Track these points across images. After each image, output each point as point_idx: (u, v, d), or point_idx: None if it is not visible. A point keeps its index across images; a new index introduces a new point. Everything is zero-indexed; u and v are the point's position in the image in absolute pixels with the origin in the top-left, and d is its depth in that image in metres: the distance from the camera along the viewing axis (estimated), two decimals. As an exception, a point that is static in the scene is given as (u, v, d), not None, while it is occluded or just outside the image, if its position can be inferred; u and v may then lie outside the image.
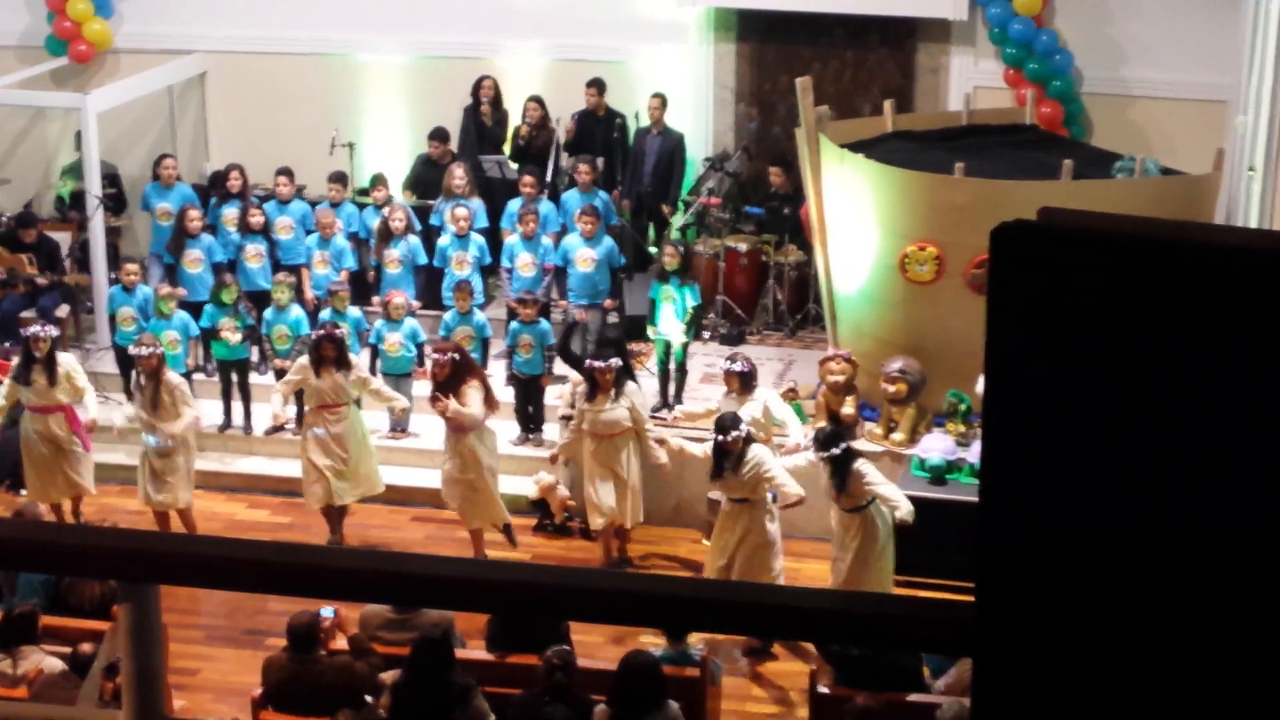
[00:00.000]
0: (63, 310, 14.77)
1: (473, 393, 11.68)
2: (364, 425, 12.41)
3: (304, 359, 12.26)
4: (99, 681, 6.31)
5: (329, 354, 12.01)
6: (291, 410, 12.87)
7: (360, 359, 13.13)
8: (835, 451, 10.89)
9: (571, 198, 14.55)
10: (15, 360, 12.44)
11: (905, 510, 10.84)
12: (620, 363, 11.89)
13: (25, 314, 14.49)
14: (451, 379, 11.63)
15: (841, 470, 10.88)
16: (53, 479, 12.38)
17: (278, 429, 13.42)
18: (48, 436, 12.27)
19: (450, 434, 11.87)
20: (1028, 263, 1.80)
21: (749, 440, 11.06)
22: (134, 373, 12.39)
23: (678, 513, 12.78)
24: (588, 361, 12.03)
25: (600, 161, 14.85)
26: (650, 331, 13.33)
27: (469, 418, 11.64)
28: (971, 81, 15.06)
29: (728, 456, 11.02)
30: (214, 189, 15.36)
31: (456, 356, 11.72)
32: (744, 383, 11.83)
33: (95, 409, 12.43)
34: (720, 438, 11.00)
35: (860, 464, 10.95)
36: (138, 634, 2.59)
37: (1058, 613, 1.82)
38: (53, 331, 12.34)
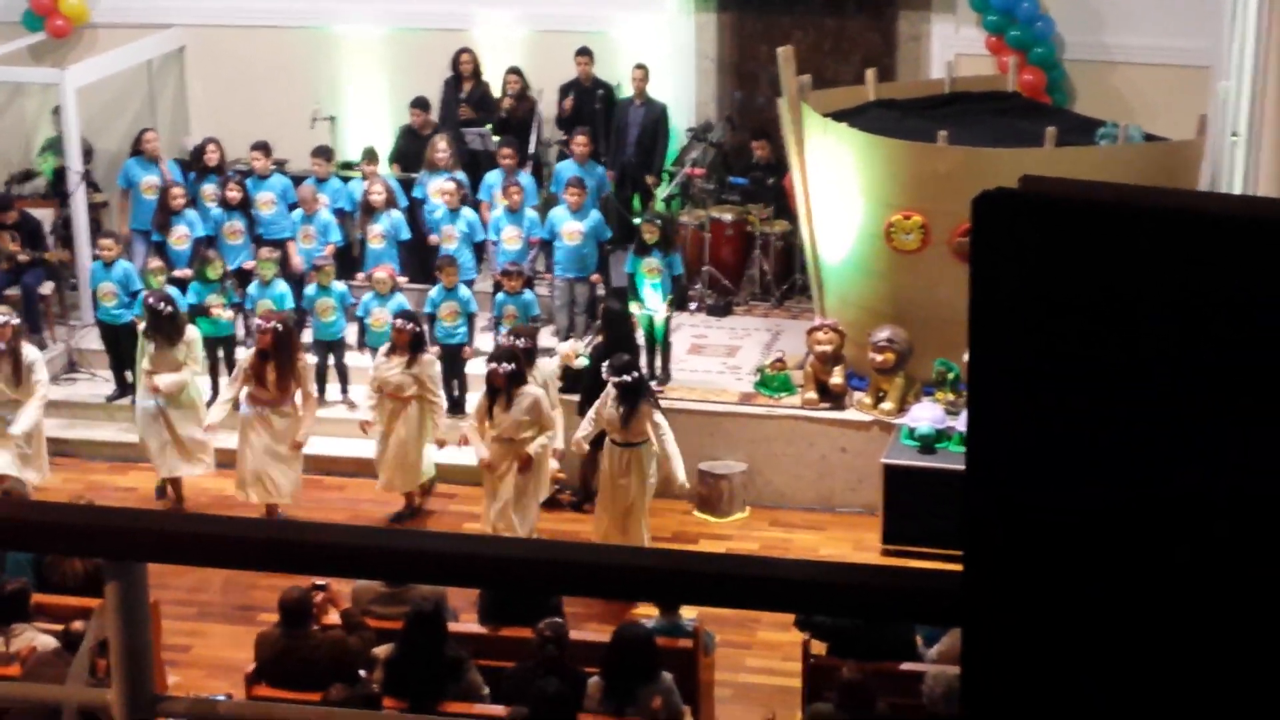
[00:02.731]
0: (47, 287, 14.75)
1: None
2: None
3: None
4: (88, 660, 6.31)
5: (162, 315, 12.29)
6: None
7: (348, 333, 13.21)
8: (626, 379, 11.18)
9: (565, 169, 14.53)
10: None
11: (682, 476, 11.37)
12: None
13: (9, 291, 14.46)
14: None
15: (631, 400, 11.18)
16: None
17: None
18: None
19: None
20: (1009, 231, 1.80)
21: (522, 380, 11.41)
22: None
23: (668, 485, 12.79)
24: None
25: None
26: (634, 306, 13.34)
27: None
28: (953, 49, 15.04)
29: (498, 391, 11.38)
30: (193, 164, 15.32)
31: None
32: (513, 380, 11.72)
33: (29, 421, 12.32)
34: (493, 366, 11.40)
35: (651, 406, 11.35)
36: (126, 612, 2.58)
37: (1046, 581, 1.83)
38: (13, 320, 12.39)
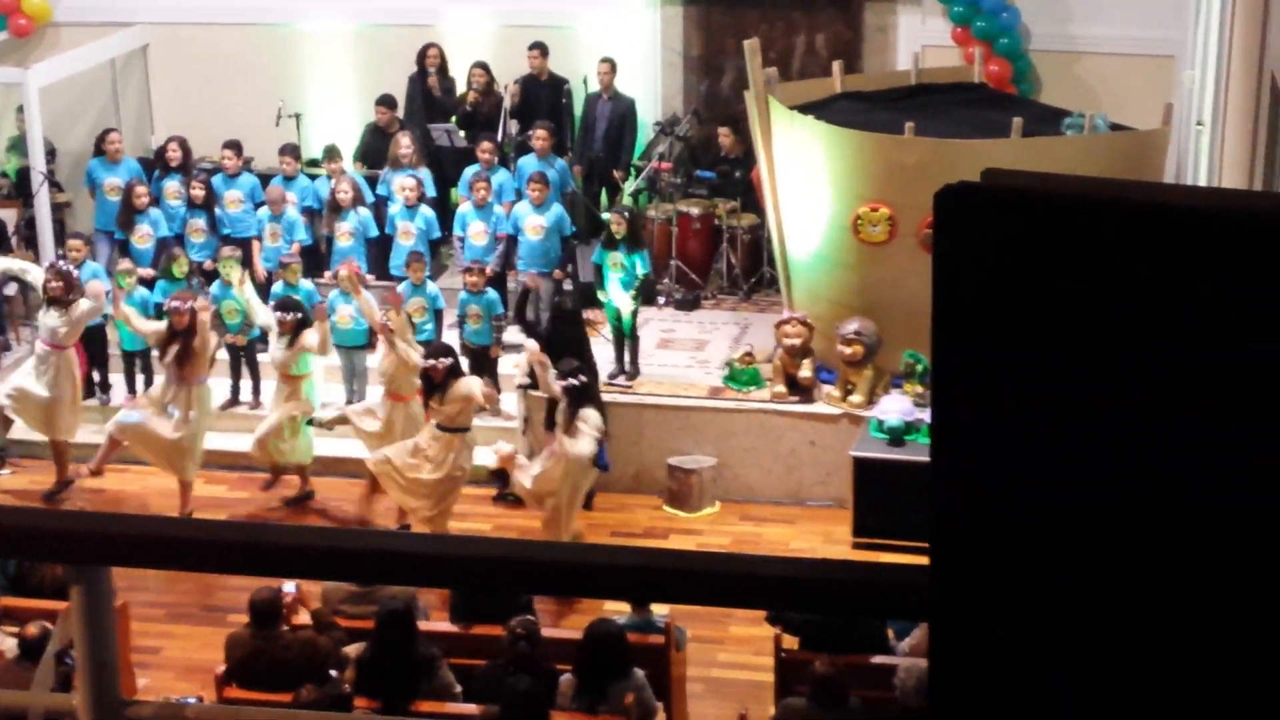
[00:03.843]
0: (10, 288, 14.66)
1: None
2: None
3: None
4: (53, 666, 6.28)
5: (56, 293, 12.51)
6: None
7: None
8: (574, 382, 11.23)
9: (527, 164, 14.49)
10: None
11: (579, 451, 11.29)
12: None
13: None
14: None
15: (578, 404, 11.25)
16: None
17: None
18: None
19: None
20: (971, 226, 1.80)
21: (457, 372, 11.59)
22: None
23: (637, 480, 12.79)
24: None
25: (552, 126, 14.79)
26: (601, 296, 13.32)
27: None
28: (919, 40, 15.06)
29: (437, 386, 11.50)
30: (156, 163, 15.24)
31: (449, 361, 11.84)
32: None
33: None
34: (430, 362, 11.53)
35: (594, 413, 11.42)
36: (90, 617, 2.56)
37: (1012, 576, 1.83)
38: None
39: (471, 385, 11.71)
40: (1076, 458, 1.78)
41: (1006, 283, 1.79)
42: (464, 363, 13.25)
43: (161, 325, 12.48)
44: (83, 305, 12.64)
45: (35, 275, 13.11)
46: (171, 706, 2.99)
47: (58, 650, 5.26)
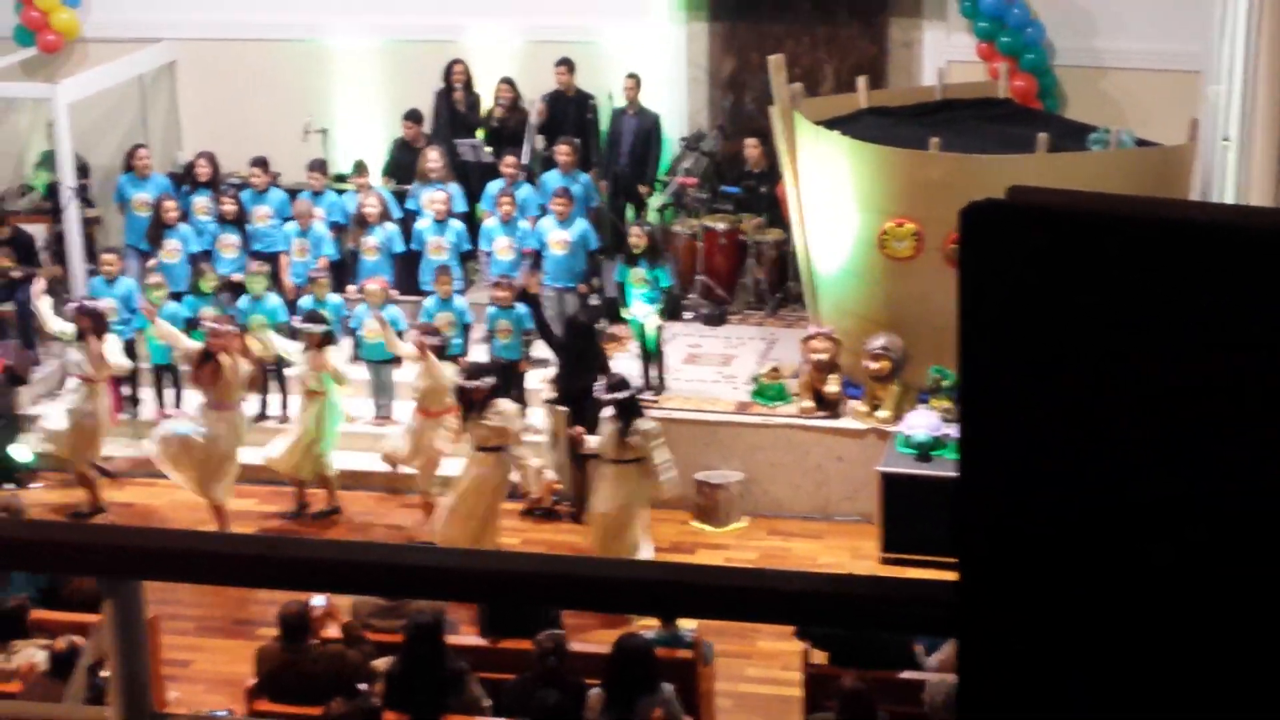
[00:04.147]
0: (45, 304, 14.72)
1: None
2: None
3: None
4: (85, 679, 6.30)
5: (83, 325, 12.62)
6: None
7: (342, 346, 13.27)
8: (620, 396, 11.17)
9: (551, 179, 14.54)
10: None
11: (671, 479, 11.32)
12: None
13: (2, 307, 14.47)
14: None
15: (627, 417, 11.16)
16: None
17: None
18: None
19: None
20: (997, 242, 1.81)
21: (495, 391, 11.54)
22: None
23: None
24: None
25: (578, 143, 14.84)
26: (625, 313, 13.34)
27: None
28: (944, 56, 15.05)
29: (474, 404, 11.40)
30: (185, 179, 15.33)
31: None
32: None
33: None
34: (472, 383, 11.45)
35: (647, 420, 11.37)
36: (122, 630, 2.58)
37: (1041, 590, 1.84)
38: None
39: (512, 413, 11.64)
40: (1105, 472, 1.79)
41: (1032, 298, 1.80)
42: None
43: (196, 344, 12.52)
44: (107, 343, 12.70)
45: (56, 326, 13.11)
46: (203, 719, 3.03)
47: (88, 665, 5.32)
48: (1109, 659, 1.83)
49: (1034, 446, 1.82)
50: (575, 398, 12.11)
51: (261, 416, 13.85)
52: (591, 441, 11.67)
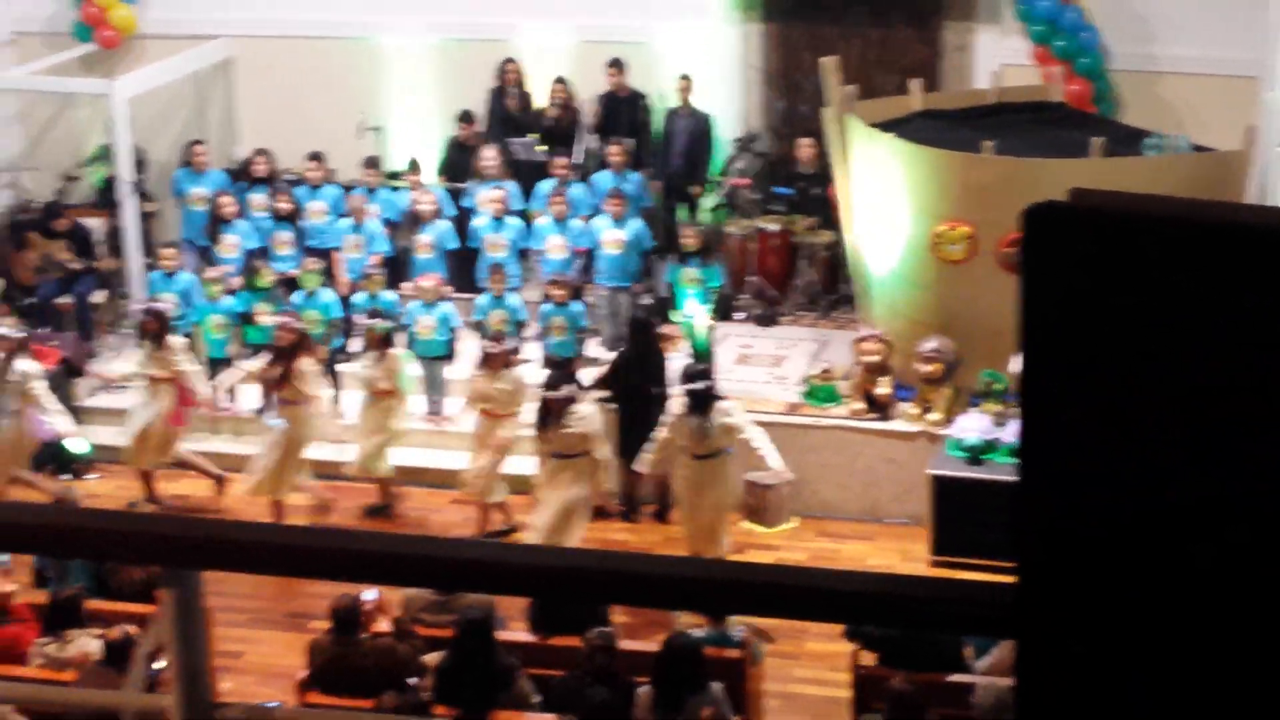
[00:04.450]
0: (98, 296, 14.88)
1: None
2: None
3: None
4: (145, 666, 6.37)
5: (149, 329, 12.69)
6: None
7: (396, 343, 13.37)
8: (697, 386, 11.04)
9: (604, 179, 14.57)
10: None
11: (776, 463, 11.23)
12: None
13: (61, 300, 14.59)
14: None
15: (704, 408, 10.99)
16: None
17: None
18: None
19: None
20: (1058, 244, 1.81)
21: (573, 399, 11.40)
22: None
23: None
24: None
25: (632, 143, 14.87)
26: (675, 315, 13.36)
27: None
28: (999, 59, 14.99)
29: (551, 413, 11.30)
30: (242, 175, 15.43)
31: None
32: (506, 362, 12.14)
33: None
34: (552, 394, 11.34)
35: (729, 405, 11.22)
36: (182, 619, 2.60)
37: (1101, 592, 1.84)
38: None
39: (593, 417, 11.52)
40: (1164, 472, 1.79)
41: (1092, 300, 1.80)
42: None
43: (258, 363, 12.61)
44: (172, 342, 12.77)
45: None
46: (261, 709, 3.06)
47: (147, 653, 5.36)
48: (1162, 660, 1.83)
49: (1094, 448, 1.82)
50: (633, 396, 12.08)
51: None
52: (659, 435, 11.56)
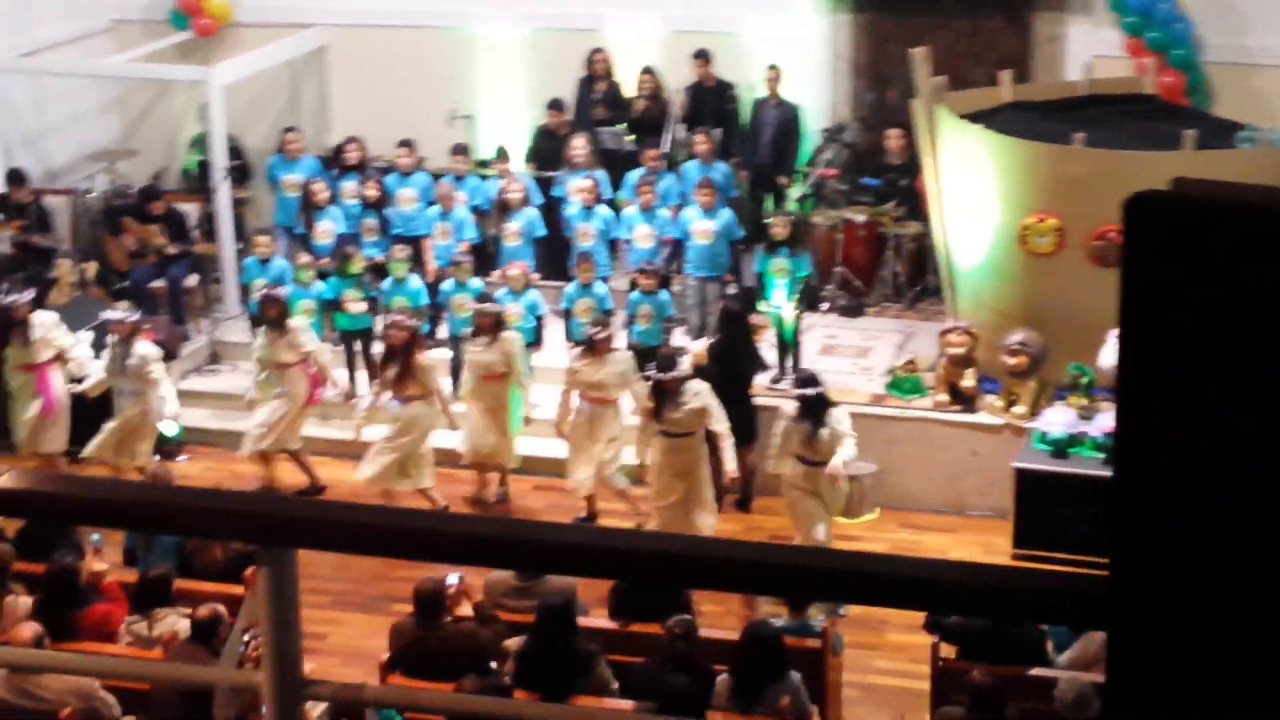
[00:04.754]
0: (191, 280, 15.09)
1: None
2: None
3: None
4: (240, 643, 6.44)
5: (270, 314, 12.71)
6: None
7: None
8: (808, 392, 10.97)
9: (691, 169, 14.61)
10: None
11: (837, 468, 11.01)
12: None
13: (154, 284, 14.81)
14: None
15: (815, 414, 10.93)
16: (34, 436, 12.95)
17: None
18: (29, 393, 12.86)
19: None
20: (1160, 234, 1.79)
21: (684, 380, 11.34)
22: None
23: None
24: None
25: (719, 133, 14.88)
26: (763, 305, 13.35)
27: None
28: (1090, 51, 14.88)
29: (667, 395, 11.23)
30: (334, 162, 15.59)
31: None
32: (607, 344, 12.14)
33: (91, 372, 12.84)
34: (665, 375, 11.25)
35: (839, 413, 11.13)
36: (277, 597, 2.63)
37: (1188, 586, 1.84)
38: (26, 297, 12.89)
39: (706, 392, 11.45)
40: (1268, 467, 1.78)
41: (1196, 290, 1.77)
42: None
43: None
44: (293, 324, 12.87)
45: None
46: (351, 687, 3.11)
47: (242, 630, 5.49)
48: (1251, 657, 1.83)
49: (1191, 440, 1.80)
50: (724, 385, 12.08)
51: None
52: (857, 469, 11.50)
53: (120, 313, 12.81)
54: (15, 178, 15.26)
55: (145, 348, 12.62)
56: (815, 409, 11.07)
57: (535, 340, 13.49)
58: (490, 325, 12.53)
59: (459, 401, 12.87)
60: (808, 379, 11.27)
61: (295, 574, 2.65)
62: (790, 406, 11.30)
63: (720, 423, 11.46)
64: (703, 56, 15.31)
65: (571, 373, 12.33)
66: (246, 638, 6.06)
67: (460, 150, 15.06)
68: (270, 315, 12.80)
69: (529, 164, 15.43)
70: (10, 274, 14.98)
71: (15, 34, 15.96)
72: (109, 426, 12.73)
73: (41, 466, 12.58)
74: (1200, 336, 1.77)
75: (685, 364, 11.60)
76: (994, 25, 15.49)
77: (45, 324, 12.82)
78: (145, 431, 12.80)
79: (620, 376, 12.18)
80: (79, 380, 12.93)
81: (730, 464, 11.55)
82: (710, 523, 11.57)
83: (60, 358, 12.90)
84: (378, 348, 13.93)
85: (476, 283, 13.73)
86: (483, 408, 12.61)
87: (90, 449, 12.74)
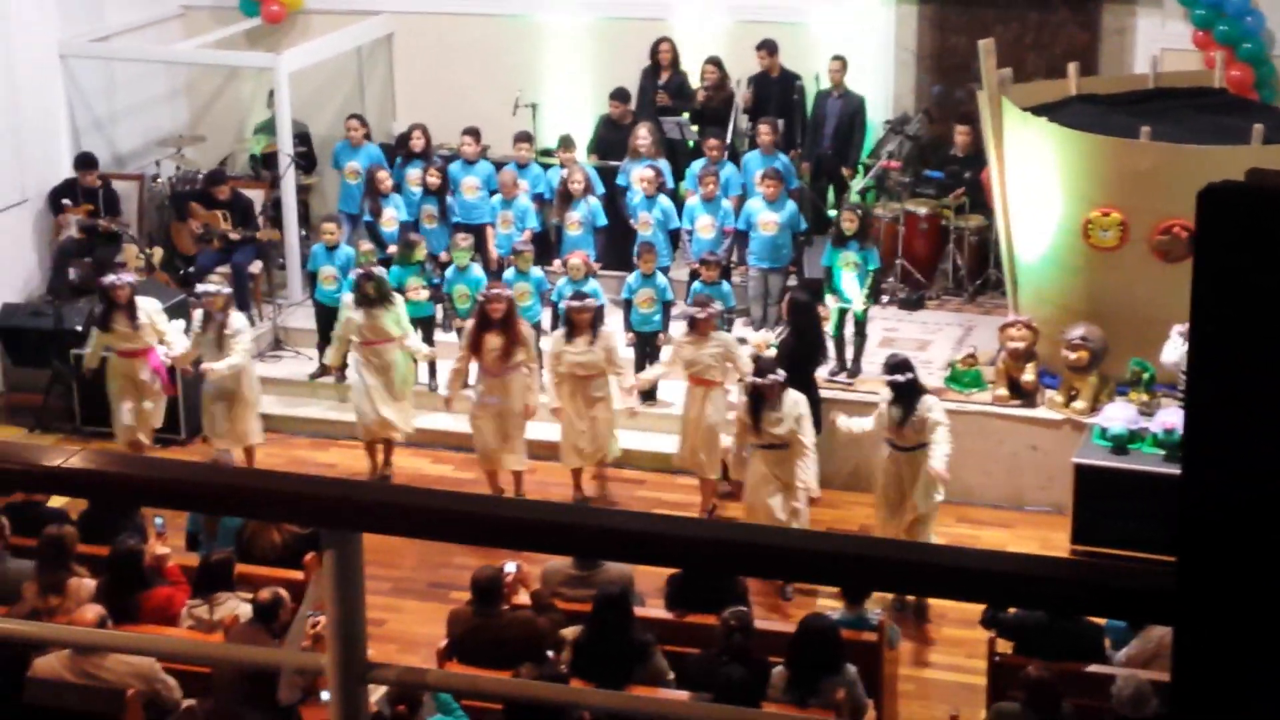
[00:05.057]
0: (255, 266, 15.20)
1: None
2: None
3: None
4: (305, 626, 6.49)
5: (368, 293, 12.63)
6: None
7: (544, 318, 13.47)
8: (898, 378, 10.87)
9: (753, 160, 14.58)
10: (98, 308, 12.96)
11: (939, 464, 10.87)
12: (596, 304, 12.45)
13: (219, 269, 14.92)
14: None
15: (907, 401, 10.83)
16: (139, 421, 12.91)
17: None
18: (133, 379, 12.82)
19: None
20: (1235, 226, 1.78)
21: (786, 384, 11.21)
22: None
23: (855, 477, 12.78)
24: (564, 302, 12.55)
25: (781, 123, 14.85)
26: (829, 298, 13.30)
27: None
28: (1158, 43, 14.76)
29: (765, 401, 11.09)
30: (399, 149, 15.65)
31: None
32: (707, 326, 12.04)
33: (181, 345, 12.84)
34: (758, 381, 11.10)
35: (931, 400, 11.03)
36: (341, 580, 2.65)
37: (1266, 584, 1.82)
38: (128, 278, 12.87)
39: (803, 403, 11.34)
40: None
41: (1270, 283, 1.78)
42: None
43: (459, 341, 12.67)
44: (396, 301, 12.89)
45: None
46: (413, 671, 3.14)
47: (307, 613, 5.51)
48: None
49: (1262, 434, 1.79)
50: (793, 377, 12.06)
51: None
52: (855, 425, 11.41)
53: (214, 285, 12.88)
54: (85, 162, 15.40)
55: (239, 321, 12.71)
56: (907, 395, 10.98)
57: (660, 329, 13.51)
58: (589, 323, 12.41)
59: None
60: (900, 364, 11.11)
61: (360, 557, 2.68)
62: (883, 391, 11.21)
63: (809, 436, 11.35)
64: (767, 47, 15.28)
65: (676, 350, 12.33)
66: (310, 621, 6.11)
67: (523, 138, 15.08)
68: (367, 294, 12.71)
69: (591, 155, 15.44)
70: (78, 258, 15.15)
71: (87, 19, 16.11)
72: (211, 409, 12.78)
73: (147, 454, 12.58)
74: (1273, 328, 1.76)
75: (781, 372, 11.42)
76: (1061, 17, 15.40)
77: (149, 309, 12.84)
78: (246, 410, 12.83)
79: (721, 357, 12.09)
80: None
81: (813, 482, 11.38)
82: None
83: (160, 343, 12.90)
84: (439, 336, 14.03)
85: (537, 272, 13.77)
86: (583, 406, 12.48)
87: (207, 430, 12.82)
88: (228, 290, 12.92)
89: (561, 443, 12.67)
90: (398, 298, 12.98)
